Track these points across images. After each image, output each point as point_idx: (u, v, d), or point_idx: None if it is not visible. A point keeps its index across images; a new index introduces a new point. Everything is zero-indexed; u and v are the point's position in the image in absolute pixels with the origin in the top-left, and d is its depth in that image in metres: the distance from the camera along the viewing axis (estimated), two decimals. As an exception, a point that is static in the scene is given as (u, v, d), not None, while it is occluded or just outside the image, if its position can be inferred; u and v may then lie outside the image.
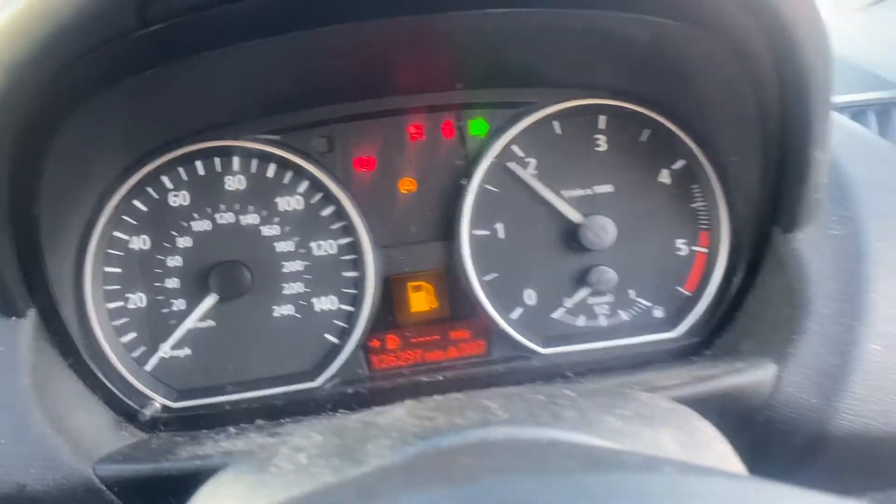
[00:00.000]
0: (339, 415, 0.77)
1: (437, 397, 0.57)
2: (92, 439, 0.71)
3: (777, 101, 0.71)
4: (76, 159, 0.71)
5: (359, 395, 0.81)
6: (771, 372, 0.72)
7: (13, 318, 0.70)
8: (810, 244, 0.77)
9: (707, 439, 0.58)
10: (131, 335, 0.80)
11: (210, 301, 0.80)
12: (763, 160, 0.77)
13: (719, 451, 0.57)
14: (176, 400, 0.80)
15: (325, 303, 0.83)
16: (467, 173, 0.84)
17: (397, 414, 0.54)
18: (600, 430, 0.49)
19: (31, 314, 0.71)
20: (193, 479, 0.59)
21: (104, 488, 0.66)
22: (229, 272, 0.80)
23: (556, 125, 0.85)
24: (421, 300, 0.85)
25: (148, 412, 0.77)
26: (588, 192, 0.85)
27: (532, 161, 0.85)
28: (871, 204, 0.78)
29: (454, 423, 0.49)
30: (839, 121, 0.91)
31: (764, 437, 0.72)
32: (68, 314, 0.76)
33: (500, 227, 0.85)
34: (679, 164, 0.85)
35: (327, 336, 0.83)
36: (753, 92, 0.72)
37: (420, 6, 0.69)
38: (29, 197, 0.67)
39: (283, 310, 0.82)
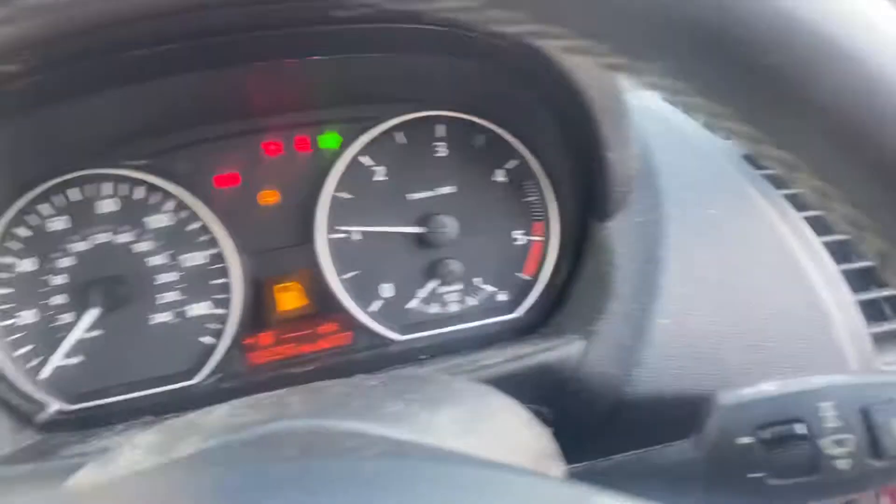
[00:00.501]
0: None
1: (258, 395, 0.67)
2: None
3: (568, 116, 0.81)
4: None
5: (236, 389, 0.91)
6: (578, 348, 0.83)
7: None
8: (618, 231, 0.87)
9: (491, 413, 0.68)
10: (26, 348, 0.89)
11: (92, 314, 0.89)
12: (572, 161, 0.88)
13: (504, 423, 0.68)
14: (71, 403, 0.90)
15: (199, 308, 0.92)
16: (321, 183, 0.93)
17: (219, 413, 0.64)
18: (378, 417, 0.60)
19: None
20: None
21: (-6, 488, 0.77)
22: (108, 286, 0.89)
23: (400, 135, 0.94)
24: (290, 299, 0.95)
25: (42, 417, 0.87)
26: (432, 193, 0.95)
27: (380, 168, 0.94)
28: (672, 193, 0.89)
29: (253, 420, 0.59)
30: (663, 114, 1.01)
31: (575, 405, 0.84)
32: (-37, 334, 0.85)
33: (355, 230, 0.94)
34: (512, 163, 0.95)
35: (203, 338, 0.92)
36: (549, 111, 0.82)
37: (252, 56, 0.78)
38: None
39: (161, 317, 0.92)
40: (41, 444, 0.85)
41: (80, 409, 0.90)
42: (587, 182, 0.88)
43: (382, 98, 0.93)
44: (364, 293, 0.95)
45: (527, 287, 0.96)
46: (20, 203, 0.88)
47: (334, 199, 0.93)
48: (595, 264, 0.88)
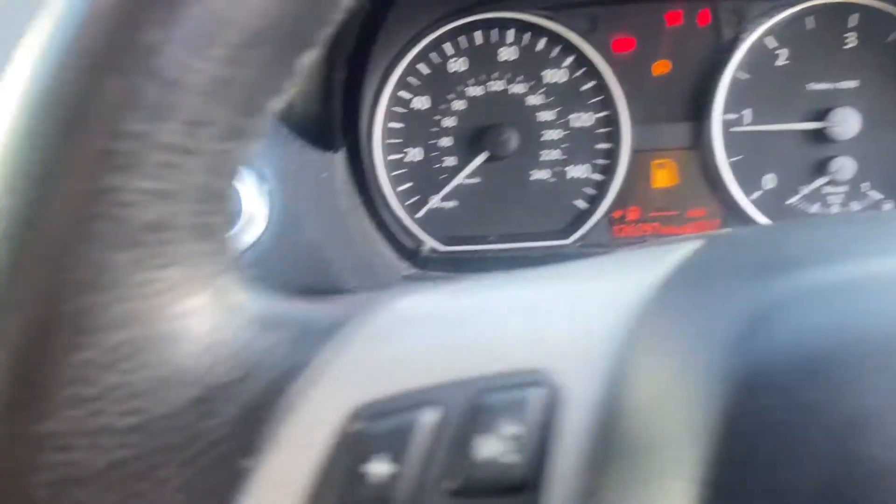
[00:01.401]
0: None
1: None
2: (388, 260, 0.83)
3: None
4: (390, 27, 0.81)
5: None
6: None
7: (330, 152, 0.81)
8: None
9: None
10: (407, 185, 0.90)
11: (481, 158, 0.88)
12: None
13: None
14: (445, 244, 0.90)
15: (578, 171, 0.91)
16: (721, 60, 0.89)
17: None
18: None
19: (342, 152, 0.82)
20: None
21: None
22: (500, 134, 0.88)
23: (810, 20, 0.90)
24: (663, 176, 0.92)
25: (425, 249, 0.87)
26: (834, 85, 0.90)
27: (783, 52, 0.90)
28: None
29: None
30: None
31: None
32: (364, 158, 0.87)
33: (747, 112, 0.90)
34: (926, 64, 0.89)
35: (577, 202, 0.91)
36: None
37: None
38: (363, 54, 0.78)
39: (541, 174, 0.90)
40: (419, 275, 0.86)
41: (453, 252, 0.90)
42: None
43: (800, -23, 0.89)
44: (746, 180, 0.90)
45: (920, 200, 0.90)
46: (427, 40, 0.89)
47: (733, 79, 0.89)
48: None
